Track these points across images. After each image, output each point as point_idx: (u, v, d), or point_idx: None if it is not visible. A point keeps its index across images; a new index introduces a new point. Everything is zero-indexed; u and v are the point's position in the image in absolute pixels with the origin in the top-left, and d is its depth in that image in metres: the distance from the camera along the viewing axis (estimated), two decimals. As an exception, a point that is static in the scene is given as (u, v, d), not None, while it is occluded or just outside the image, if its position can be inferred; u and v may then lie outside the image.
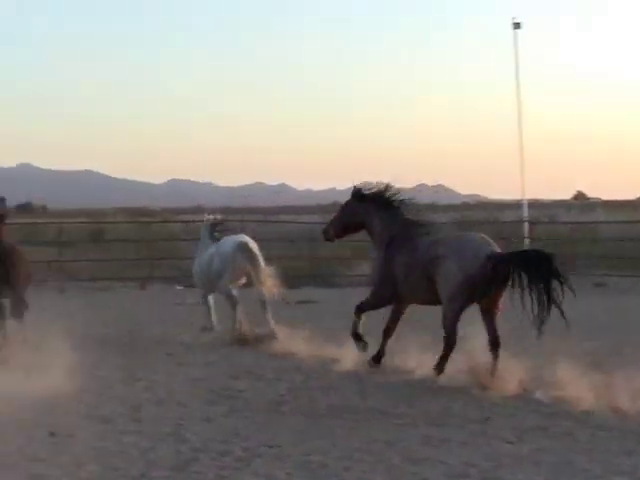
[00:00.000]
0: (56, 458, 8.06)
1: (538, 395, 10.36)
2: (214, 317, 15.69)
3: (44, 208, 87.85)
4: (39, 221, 36.06)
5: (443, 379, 11.24)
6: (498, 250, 11.20)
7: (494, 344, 11.06)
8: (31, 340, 12.82)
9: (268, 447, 8.38)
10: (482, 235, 11.63)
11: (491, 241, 11.38)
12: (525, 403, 10.18)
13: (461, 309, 11.13)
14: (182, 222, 32.52)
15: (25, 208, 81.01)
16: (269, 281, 14.93)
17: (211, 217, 16.81)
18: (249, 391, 10.97)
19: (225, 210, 63.22)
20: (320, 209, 58.97)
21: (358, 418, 9.56)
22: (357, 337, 12.14)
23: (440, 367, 11.26)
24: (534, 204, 41.34)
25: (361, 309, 12.18)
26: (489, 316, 11.16)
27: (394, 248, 11.80)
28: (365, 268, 20.60)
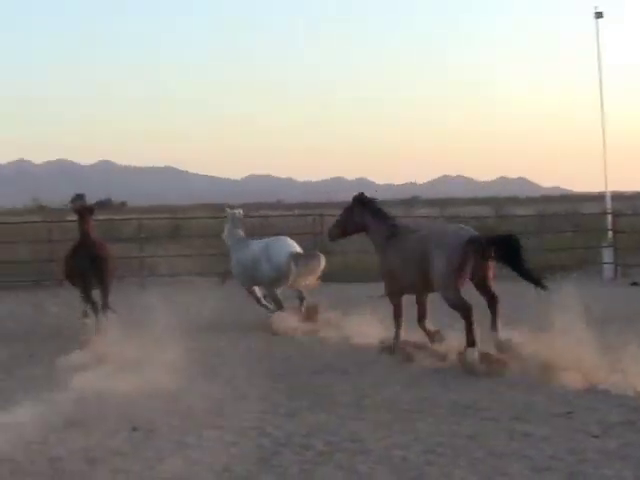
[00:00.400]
0: (139, 453, 8.15)
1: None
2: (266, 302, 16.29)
3: (124, 204, 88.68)
4: (118, 217, 36.44)
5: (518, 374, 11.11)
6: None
7: (492, 301, 12.06)
8: (113, 334, 13.02)
9: (350, 441, 8.36)
10: (461, 226, 13.04)
11: (470, 229, 12.65)
12: (608, 397, 9.99)
13: (457, 289, 12.00)
14: (260, 217, 32.46)
15: (105, 205, 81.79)
16: (311, 279, 15.85)
17: (236, 212, 17.16)
18: (331, 386, 10.92)
19: (304, 205, 63.49)
20: (402, 203, 58.80)
21: (440, 412, 9.48)
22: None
23: (470, 339, 11.70)
24: (617, 196, 40.62)
25: (395, 313, 13.09)
26: (483, 286, 12.15)
27: (389, 248, 13.03)
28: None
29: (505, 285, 12.98)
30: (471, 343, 11.69)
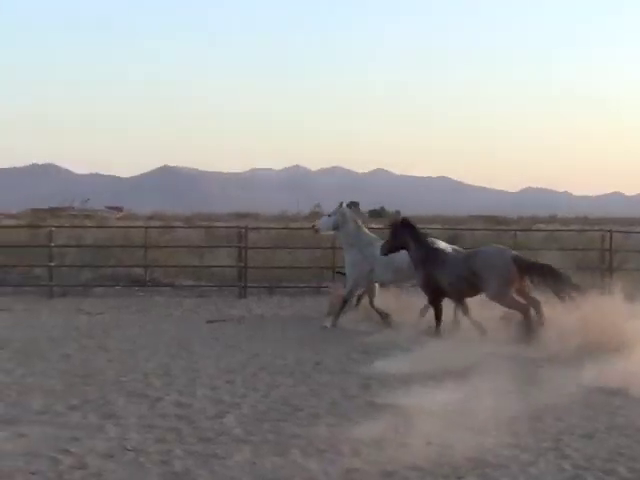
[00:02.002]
0: (435, 468, 7.97)
1: None
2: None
3: (398, 213, 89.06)
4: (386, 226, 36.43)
5: None
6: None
7: (536, 306, 14.88)
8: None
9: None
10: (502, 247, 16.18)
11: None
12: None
13: (507, 295, 14.94)
14: (540, 230, 31.71)
15: (378, 214, 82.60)
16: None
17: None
18: (624, 407, 10.37)
19: (582, 220, 61.83)
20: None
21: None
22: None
23: (529, 329, 14.51)
24: None
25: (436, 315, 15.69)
26: (523, 295, 15.05)
27: (431, 265, 15.75)
28: None
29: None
30: (531, 332, 14.38)
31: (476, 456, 8.31)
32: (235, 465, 7.92)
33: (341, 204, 17.75)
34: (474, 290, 15.36)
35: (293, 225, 34.80)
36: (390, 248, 16.39)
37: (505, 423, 9.46)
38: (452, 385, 11.19)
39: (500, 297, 14.98)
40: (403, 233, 16.16)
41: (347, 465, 8.02)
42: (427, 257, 15.81)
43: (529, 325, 14.60)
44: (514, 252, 15.55)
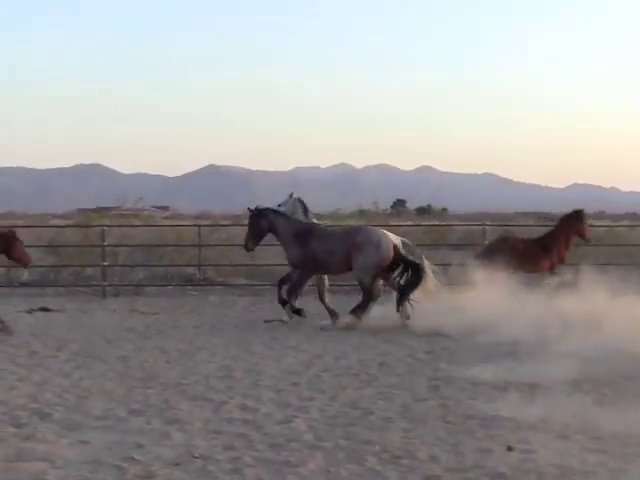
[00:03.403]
0: (519, 475, 7.51)
1: None
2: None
3: (444, 211, 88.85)
4: (444, 224, 36.09)
5: None
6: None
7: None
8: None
9: None
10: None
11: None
12: None
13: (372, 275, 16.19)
14: (591, 226, 30.78)
15: (425, 211, 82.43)
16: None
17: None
18: None
19: (632, 216, 60.78)
20: None
21: None
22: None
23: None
24: None
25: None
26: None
27: (304, 239, 16.50)
28: None
29: None
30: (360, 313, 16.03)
31: (561, 462, 7.85)
32: (309, 473, 7.51)
33: (291, 195, 17.85)
34: (344, 264, 16.19)
35: (348, 222, 34.41)
36: (254, 238, 16.90)
37: (588, 427, 8.99)
38: (528, 387, 10.78)
39: (365, 273, 16.00)
40: (267, 219, 16.67)
41: (426, 472, 7.60)
42: (299, 230, 16.41)
43: (364, 307, 15.93)
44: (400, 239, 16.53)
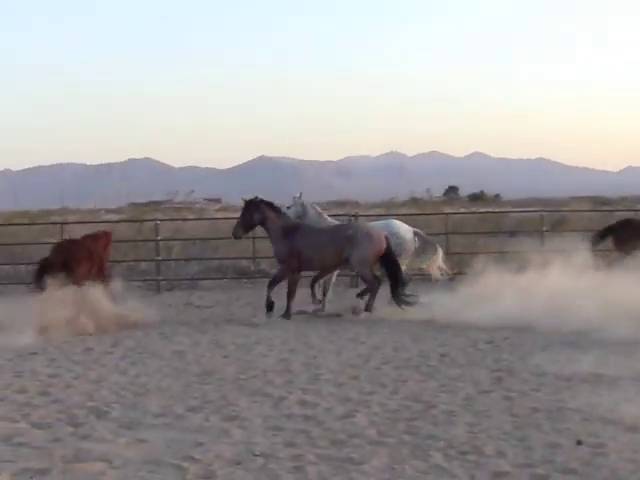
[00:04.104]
0: (591, 471, 7.22)
1: None
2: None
3: (497, 197, 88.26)
4: (497, 210, 35.72)
5: None
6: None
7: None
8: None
9: None
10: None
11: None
12: None
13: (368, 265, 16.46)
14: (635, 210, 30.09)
15: (477, 197, 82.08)
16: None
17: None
18: None
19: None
20: None
21: None
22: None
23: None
24: None
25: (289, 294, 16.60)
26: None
27: (293, 235, 16.48)
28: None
29: None
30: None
31: (633, 456, 7.55)
32: (374, 471, 7.27)
33: (299, 196, 17.70)
34: (332, 261, 16.29)
35: (402, 211, 34.21)
36: (244, 228, 16.99)
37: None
38: (593, 377, 10.48)
39: (362, 265, 16.15)
40: (259, 211, 16.65)
41: (494, 468, 7.33)
42: (287, 227, 16.41)
43: (374, 298, 16.17)
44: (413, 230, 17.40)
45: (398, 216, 26.69)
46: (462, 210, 40.25)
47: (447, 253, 22.81)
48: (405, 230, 17.52)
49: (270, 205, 16.80)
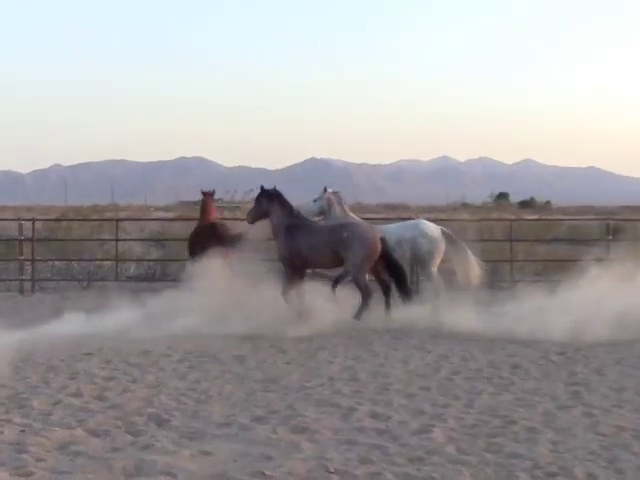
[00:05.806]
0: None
1: None
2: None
3: (548, 204, 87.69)
4: (550, 218, 35.17)
5: None
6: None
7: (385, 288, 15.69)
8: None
9: None
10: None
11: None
12: None
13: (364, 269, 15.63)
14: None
15: (528, 204, 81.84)
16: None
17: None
18: None
19: None
20: None
21: None
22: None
23: None
24: None
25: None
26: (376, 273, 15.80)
27: (294, 232, 15.99)
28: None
29: None
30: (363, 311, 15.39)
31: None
32: (457, 493, 6.74)
33: (325, 189, 17.29)
34: (330, 261, 15.74)
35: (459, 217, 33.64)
36: (255, 216, 16.60)
37: None
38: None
39: (355, 270, 15.40)
40: (269, 200, 16.25)
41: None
42: (290, 225, 15.92)
43: (365, 306, 15.28)
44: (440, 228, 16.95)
45: (459, 221, 26.19)
46: (512, 217, 39.41)
47: (511, 261, 22.30)
48: (434, 229, 16.97)
49: (281, 200, 16.24)
